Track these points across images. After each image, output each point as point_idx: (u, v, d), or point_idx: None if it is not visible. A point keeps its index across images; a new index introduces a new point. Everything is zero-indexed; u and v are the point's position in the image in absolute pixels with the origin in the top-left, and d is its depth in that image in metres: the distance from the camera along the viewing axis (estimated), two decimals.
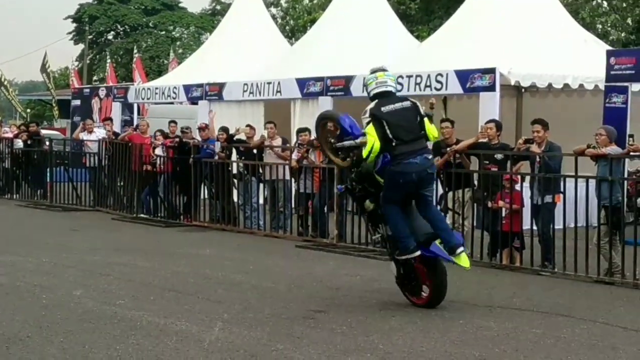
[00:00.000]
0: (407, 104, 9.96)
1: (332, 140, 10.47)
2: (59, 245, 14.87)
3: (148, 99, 26.97)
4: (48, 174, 22.69)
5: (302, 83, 20.86)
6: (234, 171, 17.68)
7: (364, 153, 9.79)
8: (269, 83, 21.73)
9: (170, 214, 18.93)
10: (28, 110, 60.65)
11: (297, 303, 10.13)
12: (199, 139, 18.68)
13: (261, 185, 17.46)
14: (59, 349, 7.78)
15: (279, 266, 13.15)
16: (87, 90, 35.69)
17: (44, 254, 13.59)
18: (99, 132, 22.33)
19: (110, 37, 71.08)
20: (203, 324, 8.85)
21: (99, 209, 20.76)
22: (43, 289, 10.61)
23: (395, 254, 9.91)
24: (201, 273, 12.23)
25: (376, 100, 9.97)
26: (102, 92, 33.04)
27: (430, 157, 9.98)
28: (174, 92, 25.20)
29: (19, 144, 23.92)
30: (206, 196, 18.50)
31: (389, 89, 10.17)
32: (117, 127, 24.61)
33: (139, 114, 30.03)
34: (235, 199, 17.89)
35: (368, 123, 9.80)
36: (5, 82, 47.99)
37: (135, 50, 42.14)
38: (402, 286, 10.17)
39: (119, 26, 69.40)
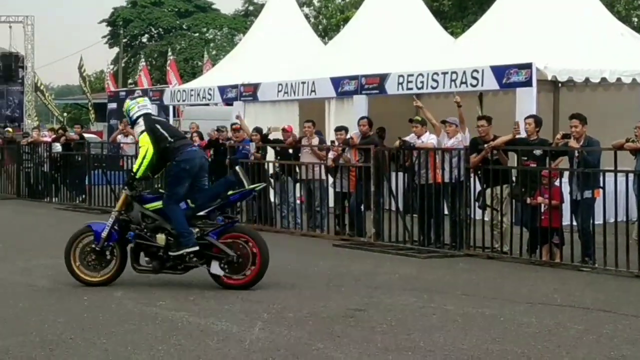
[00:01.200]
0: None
1: None
2: None
3: (183, 100, 27.11)
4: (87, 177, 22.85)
5: (336, 82, 20.86)
6: (270, 171, 17.69)
7: (138, 162, 10.88)
8: (303, 83, 21.75)
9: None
10: (64, 114, 61.15)
11: (336, 302, 10.12)
12: (234, 139, 18.73)
13: (297, 184, 17.45)
14: (101, 350, 7.82)
15: (317, 265, 13.15)
16: (123, 93, 35.89)
17: None
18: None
19: (144, 40, 71.53)
20: (243, 324, 8.87)
21: None
22: (84, 290, 10.68)
23: (178, 249, 10.67)
24: None
25: (144, 116, 11.02)
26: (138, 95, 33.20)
27: None
28: (209, 94, 25.31)
29: (58, 147, 24.11)
30: None
31: (149, 111, 11.31)
32: None
33: (174, 115, 30.18)
34: (271, 198, 17.91)
35: (142, 132, 10.78)
36: (42, 87, 48.42)
37: (169, 53, 42.32)
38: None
39: (153, 29, 69.81)
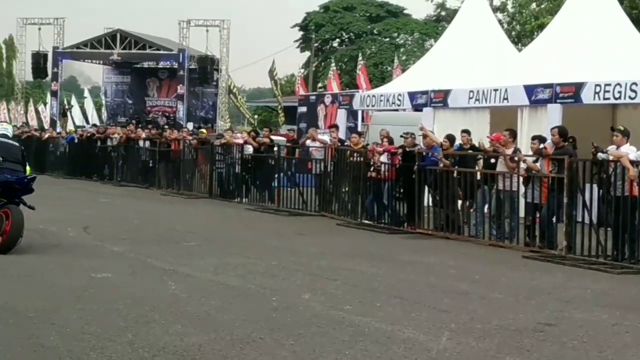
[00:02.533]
0: (13, 143, 14.16)
1: None
2: (287, 249, 15.16)
3: (372, 106, 27.20)
4: (276, 180, 23.28)
5: (529, 90, 20.47)
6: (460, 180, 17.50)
7: None
8: (495, 90, 21.45)
9: (394, 220, 18.98)
10: (255, 116, 62.50)
11: (525, 315, 9.91)
12: (422, 146, 18.66)
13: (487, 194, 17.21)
14: (289, 351, 7.90)
15: (506, 276, 12.92)
16: (313, 97, 36.40)
17: (272, 257, 13.89)
18: (324, 139, 22.69)
19: (335, 44, 72.29)
20: (430, 333, 8.79)
21: (323, 214, 21.09)
22: (273, 291, 10.83)
23: None
24: (426, 281, 12.18)
25: None
26: (327, 99, 33.59)
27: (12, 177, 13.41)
28: (399, 99, 25.30)
29: (249, 149, 24.65)
30: (430, 204, 18.43)
31: (8, 133, 14.46)
32: (342, 134, 24.95)
33: (362, 120, 30.34)
34: (459, 207, 17.73)
35: None
36: (235, 90, 49.64)
37: (359, 58, 42.61)
38: None
39: (344, 34, 70.49)
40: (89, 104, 57.74)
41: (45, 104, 56.45)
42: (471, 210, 17.64)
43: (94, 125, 41.57)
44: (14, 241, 13.12)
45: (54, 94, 48.29)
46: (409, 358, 7.80)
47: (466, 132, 18.69)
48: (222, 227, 18.86)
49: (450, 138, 18.16)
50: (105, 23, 46.75)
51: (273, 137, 26.02)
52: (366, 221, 19.50)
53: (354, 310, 9.84)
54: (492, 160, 17.21)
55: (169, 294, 10.48)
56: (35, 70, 48.24)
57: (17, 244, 13.18)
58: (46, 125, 46.98)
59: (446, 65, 25.44)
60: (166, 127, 37.38)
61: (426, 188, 18.26)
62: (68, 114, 51.44)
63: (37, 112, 57.00)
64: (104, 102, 52.38)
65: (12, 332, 8.21)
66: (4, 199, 13.31)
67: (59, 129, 42.99)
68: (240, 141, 25.51)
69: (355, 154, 20.33)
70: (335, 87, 39.14)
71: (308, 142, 23.26)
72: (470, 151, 18.01)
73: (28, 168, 14.25)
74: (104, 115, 51.29)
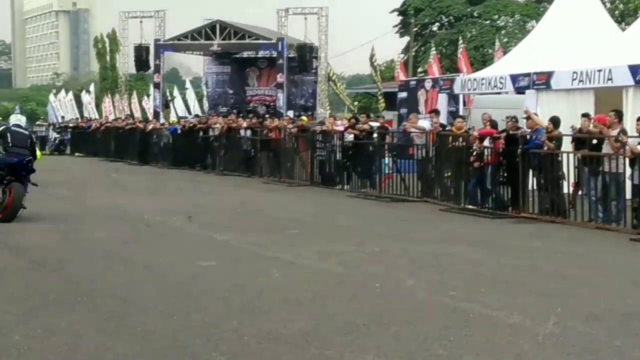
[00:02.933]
0: (24, 132, 16.97)
1: None
2: (389, 235, 15.12)
3: (474, 89, 26.94)
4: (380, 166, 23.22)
5: (634, 70, 19.98)
6: (564, 162, 17.21)
7: None
8: (599, 70, 21.00)
9: (497, 205, 18.76)
10: (355, 103, 62.46)
11: (633, 299, 9.71)
12: (525, 129, 18.38)
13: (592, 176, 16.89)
14: (394, 337, 7.87)
15: (613, 260, 12.67)
16: (413, 82, 36.19)
17: (375, 243, 13.86)
18: (425, 124, 22.53)
19: (434, 28, 71.74)
20: (536, 318, 8.65)
21: (426, 199, 20.97)
22: (376, 278, 10.80)
23: None
24: (532, 265, 12.01)
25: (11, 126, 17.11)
26: (427, 84, 33.36)
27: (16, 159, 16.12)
28: (501, 82, 25.01)
29: (350, 137, 24.64)
30: (535, 187, 18.17)
31: (21, 123, 17.48)
32: (443, 119, 24.77)
33: (464, 104, 30.07)
34: (564, 190, 17.44)
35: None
36: (334, 77, 49.65)
37: (460, 41, 42.20)
38: None
39: (443, 17, 69.89)
40: (190, 95, 58.48)
41: (148, 96, 57.40)
42: (578, 193, 17.36)
43: (196, 115, 42.11)
44: (15, 212, 15.82)
45: (156, 86, 48.96)
46: (515, 343, 7.70)
47: (586, 115, 18.23)
48: (324, 214, 18.90)
49: (555, 120, 17.84)
50: (204, 14, 47.32)
51: (373, 124, 25.91)
52: (469, 206, 19.31)
53: (458, 295, 9.76)
54: (595, 142, 16.86)
55: (272, 281, 10.56)
56: (138, 63, 49.00)
57: (19, 214, 15.82)
58: (150, 117, 47.74)
59: (548, 47, 25.03)
60: (267, 116, 37.62)
61: (530, 171, 18.00)
62: (170, 105, 52.18)
63: (140, 104, 57.98)
64: (205, 92, 52.88)
65: (120, 320, 8.36)
66: (12, 177, 16.04)
67: (162, 120, 43.66)
68: (341, 128, 25.51)
69: (458, 139, 20.15)
70: (436, 72, 38.86)
71: (408, 127, 23.10)
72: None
73: (38, 153, 17.49)
74: (206, 105, 51.78)
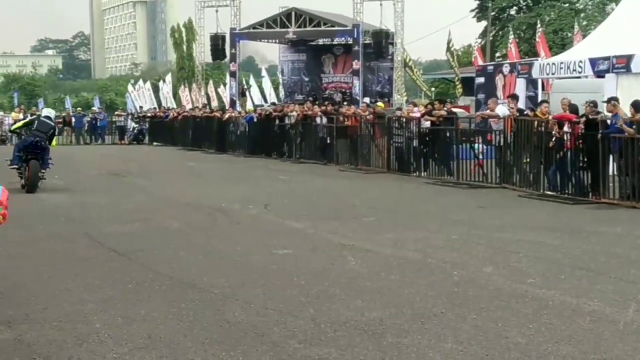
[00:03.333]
0: (50, 122, 20.68)
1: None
2: (467, 222, 14.97)
3: (552, 74, 26.57)
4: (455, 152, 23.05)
5: None
6: None
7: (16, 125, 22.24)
8: None
9: (577, 191, 18.48)
10: (432, 89, 62.11)
11: None
12: (605, 113, 18.07)
13: None
14: (471, 325, 7.80)
15: None
16: (491, 67, 35.81)
17: (453, 230, 13.75)
18: (503, 109, 22.28)
19: (512, 12, 70.90)
20: (616, 305, 8.51)
21: (504, 186, 20.75)
22: (454, 265, 10.72)
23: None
24: (612, 252, 11.80)
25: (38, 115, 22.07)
26: (505, 69, 32.96)
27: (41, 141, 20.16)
28: (580, 66, 24.62)
29: (426, 123, 24.48)
30: (615, 172, 17.85)
31: (50, 115, 21.42)
32: (521, 104, 24.47)
33: (542, 89, 29.68)
34: None
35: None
36: (410, 63, 49.40)
37: (538, 25, 41.63)
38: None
39: (521, 1, 69.04)
40: (266, 83, 58.66)
41: (224, 84, 57.76)
42: None
43: (272, 103, 42.25)
44: (35, 183, 19.59)
45: (232, 74, 49.24)
46: (595, 331, 7.57)
47: None
48: (401, 202, 18.83)
49: (636, 104, 17.50)
50: (280, 2, 47.49)
51: (453, 109, 25.69)
52: (549, 192, 19.06)
53: (537, 283, 9.63)
54: None
55: (349, 269, 10.54)
56: (214, 51, 49.36)
57: (39, 185, 19.74)
58: (226, 106, 48.07)
59: (628, 29, 24.56)
60: (344, 103, 37.57)
61: (610, 157, 17.70)
62: (247, 93, 52.45)
63: (217, 93, 58.39)
64: (281, 80, 53.07)
65: (198, 309, 8.42)
66: (29, 156, 19.82)
67: (238, 109, 43.91)
68: (417, 114, 25.37)
69: (537, 124, 19.88)
70: (515, 56, 38.41)
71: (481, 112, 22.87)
72: None
73: (54, 142, 22.42)
74: (282, 93, 52.00)
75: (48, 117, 20.88)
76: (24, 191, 19.33)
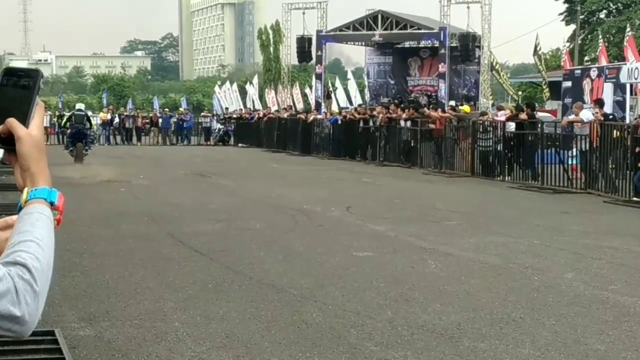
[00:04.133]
0: (82, 113, 29.54)
1: None
2: (550, 227, 14.81)
3: None
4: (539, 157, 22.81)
5: None
6: None
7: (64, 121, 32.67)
8: None
9: None
10: (519, 92, 61.48)
11: None
12: None
13: None
14: (550, 331, 7.73)
15: None
16: (579, 71, 35.37)
17: (535, 235, 13.63)
18: (587, 114, 21.96)
19: (602, 15, 69.87)
20: None
21: (590, 191, 20.47)
22: (534, 270, 10.63)
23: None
24: None
25: (74, 111, 30.82)
26: (593, 73, 32.55)
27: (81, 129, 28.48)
28: None
29: (511, 126, 24.29)
30: None
31: (82, 107, 30.64)
32: (608, 108, 24.10)
33: (631, 94, 29.19)
34: None
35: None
36: (497, 66, 48.98)
37: (627, 29, 40.95)
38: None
39: (611, 4, 67.99)
40: (352, 86, 58.74)
41: (310, 86, 57.97)
42: None
43: (358, 106, 42.28)
44: (81, 157, 27.49)
45: (318, 76, 49.41)
46: None
47: None
48: (484, 206, 18.70)
49: None
50: (366, 4, 47.48)
51: (539, 114, 25.39)
52: (635, 198, 18.74)
53: (619, 289, 9.51)
54: None
55: (428, 273, 10.52)
56: (300, 54, 49.60)
57: (82, 160, 27.46)
58: (312, 108, 48.25)
59: None
60: (430, 106, 37.43)
61: None
62: (332, 95, 52.56)
63: (303, 95, 58.64)
64: (366, 83, 53.04)
65: (277, 309, 8.49)
66: (76, 140, 28.10)
67: (323, 111, 44.06)
68: (502, 118, 25.17)
69: (623, 128, 19.59)
70: (604, 60, 37.83)
71: (571, 117, 22.57)
72: None
73: (93, 122, 31.05)
74: (367, 96, 51.98)
75: (80, 110, 29.98)
76: (105, 182, 22.36)
